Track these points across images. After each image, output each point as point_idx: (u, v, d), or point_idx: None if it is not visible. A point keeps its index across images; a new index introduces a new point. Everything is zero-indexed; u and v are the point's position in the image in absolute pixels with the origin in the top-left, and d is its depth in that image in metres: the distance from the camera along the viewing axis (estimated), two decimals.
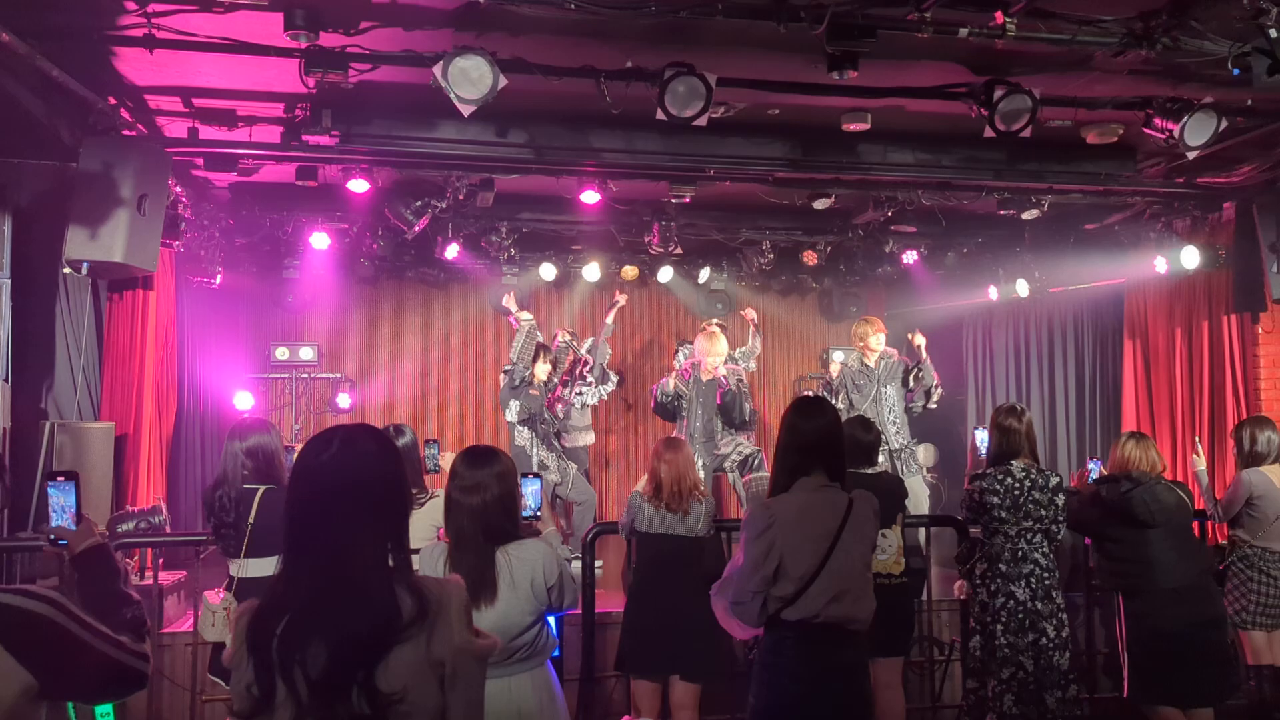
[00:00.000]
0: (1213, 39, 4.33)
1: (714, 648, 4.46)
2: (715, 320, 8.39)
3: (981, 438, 4.94)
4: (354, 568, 1.81)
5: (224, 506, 3.89)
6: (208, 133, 6.00)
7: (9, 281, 5.65)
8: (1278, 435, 5.21)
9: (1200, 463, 5.44)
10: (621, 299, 8.57)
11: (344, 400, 10.15)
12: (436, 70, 4.47)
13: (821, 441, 3.24)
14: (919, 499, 7.03)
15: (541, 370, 7.79)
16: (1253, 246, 6.93)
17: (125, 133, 5.41)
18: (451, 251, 8.56)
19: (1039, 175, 6.61)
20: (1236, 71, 4.24)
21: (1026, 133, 5.01)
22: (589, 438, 8.75)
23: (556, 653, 3.15)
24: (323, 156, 6.07)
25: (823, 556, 3.10)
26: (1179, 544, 4.60)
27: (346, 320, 10.47)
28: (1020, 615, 4.31)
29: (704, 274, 10.04)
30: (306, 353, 10.15)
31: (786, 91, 5.26)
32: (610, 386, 8.63)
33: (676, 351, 9.25)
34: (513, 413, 7.68)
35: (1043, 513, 4.36)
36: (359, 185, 6.44)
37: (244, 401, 9.48)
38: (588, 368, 8.39)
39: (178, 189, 6.40)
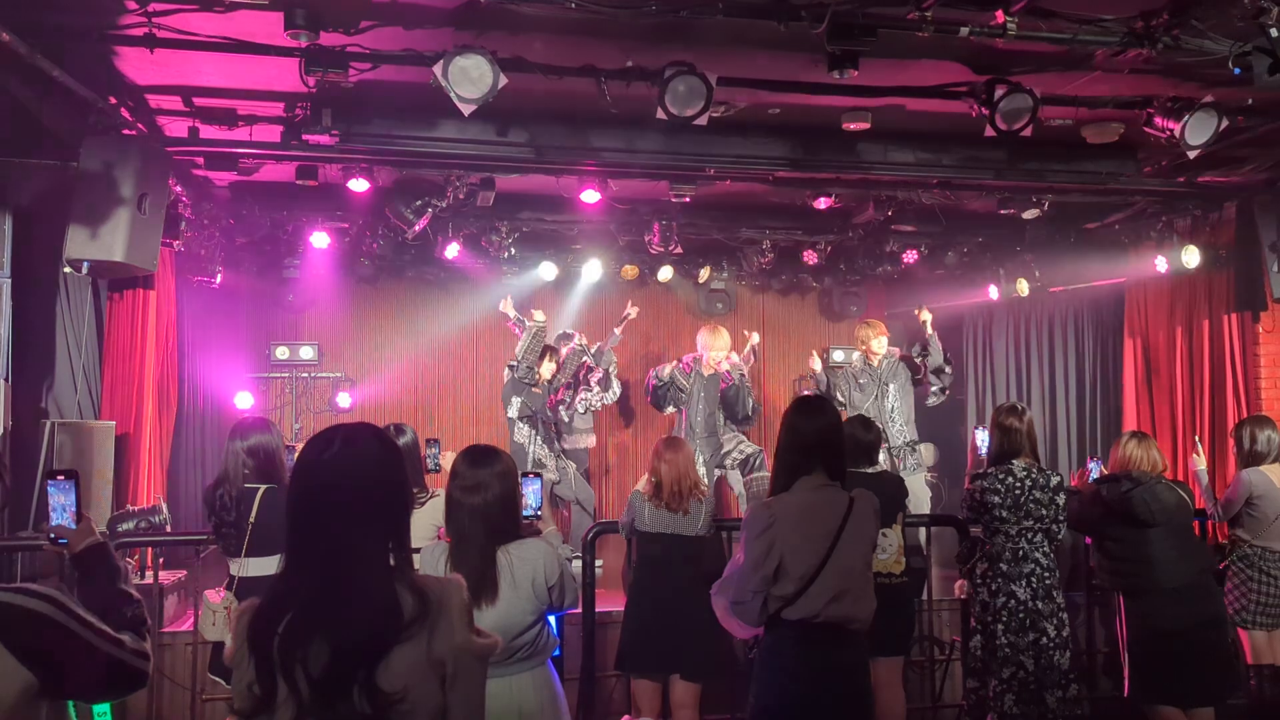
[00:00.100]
0: (1213, 38, 4.33)
1: (714, 647, 4.46)
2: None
3: (981, 437, 4.93)
4: (355, 567, 1.81)
5: (225, 505, 3.89)
6: (208, 132, 6.00)
7: (9, 281, 5.65)
8: (1278, 434, 5.21)
9: (1200, 462, 5.43)
10: (632, 312, 8.57)
11: (344, 400, 10.15)
12: (437, 69, 4.47)
13: (822, 441, 3.24)
14: (919, 498, 7.03)
15: (546, 370, 7.80)
16: (1253, 246, 6.93)
17: (125, 132, 5.41)
18: (451, 251, 8.56)
19: (1039, 175, 6.61)
20: (1237, 71, 4.23)
21: (1027, 132, 5.00)
22: (590, 440, 8.75)
23: (557, 652, 3.15)
24: (323, 156, 6.07)
25: (823, 556, 3.10)
26: (1179, 543, 4.60)
27: (346, 320, 10.47)
28: (1021, 615, 4.31)
29: (704, 274, 10.04)
30: (306, 352, 10.14)
31: (787, 91, 5.26)
32: (613, 395, 8.64)
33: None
34: (514, 409, 7.69)
35: (1044, 512, 4.36)
36: (359, 185, 6.44)
37: (244, 401, 9.48)
38: (595, 376, 8.41)
39: (178, 188, 6.40)
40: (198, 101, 5.68)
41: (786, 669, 3.14)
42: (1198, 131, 5.12)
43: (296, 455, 1.93)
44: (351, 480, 1.85)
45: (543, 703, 2.92)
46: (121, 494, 6.45)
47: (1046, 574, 4.36)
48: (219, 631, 3.84)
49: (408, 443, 4.32)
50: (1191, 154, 5.26)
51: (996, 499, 4.35)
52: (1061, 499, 4.42)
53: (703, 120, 4.84)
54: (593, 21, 4.40)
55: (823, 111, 5.66)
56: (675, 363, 7.86)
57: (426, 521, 3.96)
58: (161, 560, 5.48)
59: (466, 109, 4.55)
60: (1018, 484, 4.36)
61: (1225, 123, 5.13)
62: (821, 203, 7.27)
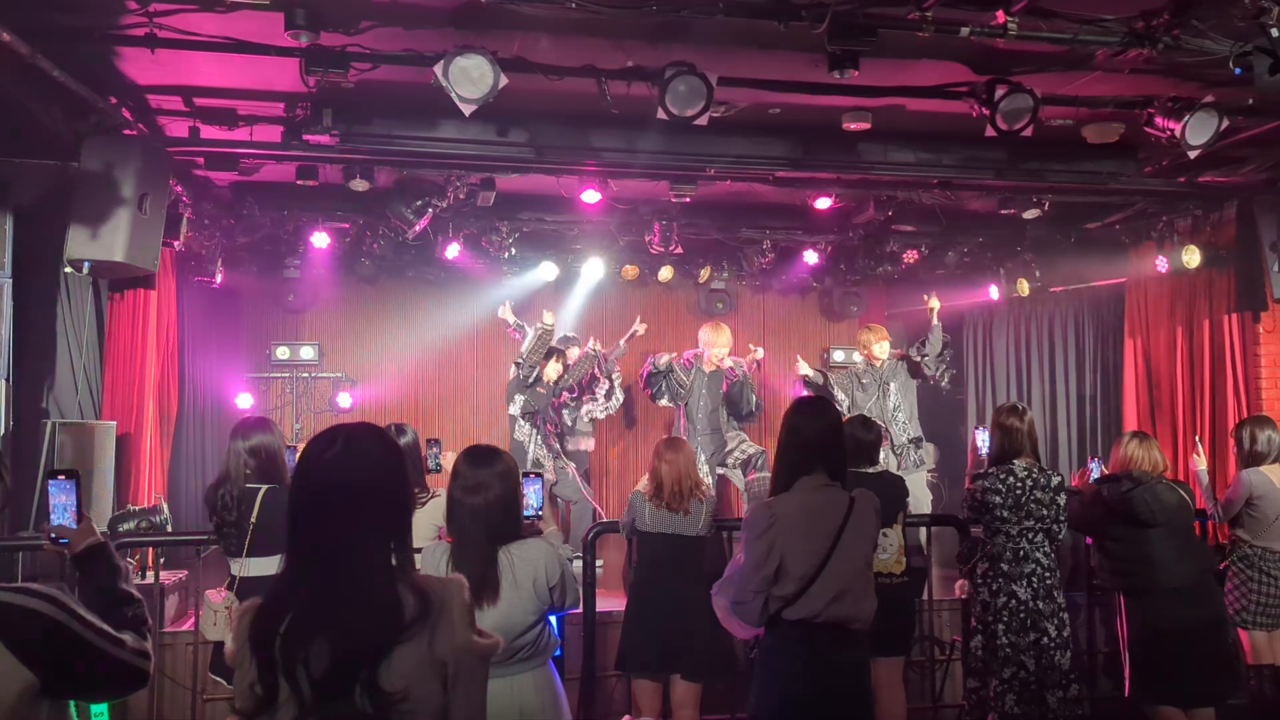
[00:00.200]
0: (1214, 38, 4.33)
1: (715, 647, 4.46)
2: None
3: (982, 438, 4.94)
4: (357, 567, 1.81)
5: (226, 505, 3.89)
6: (208, 132, 6.00)
7: (10, 281, 5.65)
8: (1278, 435, 5.21)
9: (1201, 462, 5.43)
10: (640, 328, 8.58)
11: (344, 400, 10.15)
12: (437, 69, 4.47)
13: (822, 441, 3.24)
14: (920, 500, 7.02)
15: (552, 371, 7.81)
16: (1254, 246, 6.93)
17: (126, 132, 5.41)
18: (452, 251, 8.56)
19: (1040, 174, 6.61)
20: (1238, 71, 4.23)
21: (1028, 132, 5.00)
22: (589, 443, 8.77)
23: (558, 652, 3.15)
24: (323, 156, 6.07)
25: (824, 556, 3.10)
26: (1180, 544, 4.60)
27: (346, 320, 10.47)
28: (1022, 615, 4.31)
29: (704, 274, 10.04)
30: (306, 352, 10.14)
31: (787, 91, 5.26)
32: (615, 405, 8.68)
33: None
34: (516, 406, 7.70)
35: (1044, 512, 4.36)
36: (359, 185, 6.44)
37: (244, 401, 9.49)
38: (602, 388, 8.44)
39: (178, 188, 6.40)
40: (198, 101, 5.69)
41: (787, 669, 3.14)
42: (1198, 131, 5.12)
43: (298, 455, 1.93)
44: (353, 480, 1.85)
45: (544, 703, 2.92)
46: (122, 494, 6.46)
47: (1047, 574, 4.36)
48: (220, 631, 3.84)
49: (408, 443, 4.32)
50: (1192, 154, 5.26)
51: (997, 499, 4.35)
52: (1062, 499, 4.42)
53: (703, 120, 4.84)
54: (593, 21, 4.40)
55: (823, 111, 5.66)
56: (675, 354, 7.82)
57: (427, 521, 3.96)
58: (162, 560, 5.48)
59: (467, 109, 4.56)
60: (1019, 484, 4.36)
61: (1226, 123, 5.14)
62: (821, 203, 7.27)
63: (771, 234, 8.87)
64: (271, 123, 5.93)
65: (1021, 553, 4.36)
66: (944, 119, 5.68)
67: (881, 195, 7.37)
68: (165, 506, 6.10)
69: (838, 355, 11.20)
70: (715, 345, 7.56)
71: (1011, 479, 4.37)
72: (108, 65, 5.02)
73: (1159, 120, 5.21)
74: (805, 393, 7.41)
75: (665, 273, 10.00)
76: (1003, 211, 7.53)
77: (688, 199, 7.02)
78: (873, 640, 3.34)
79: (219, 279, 8.54)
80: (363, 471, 1.86)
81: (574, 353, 8.43)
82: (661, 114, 4.82)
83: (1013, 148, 6.12)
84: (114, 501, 6.20)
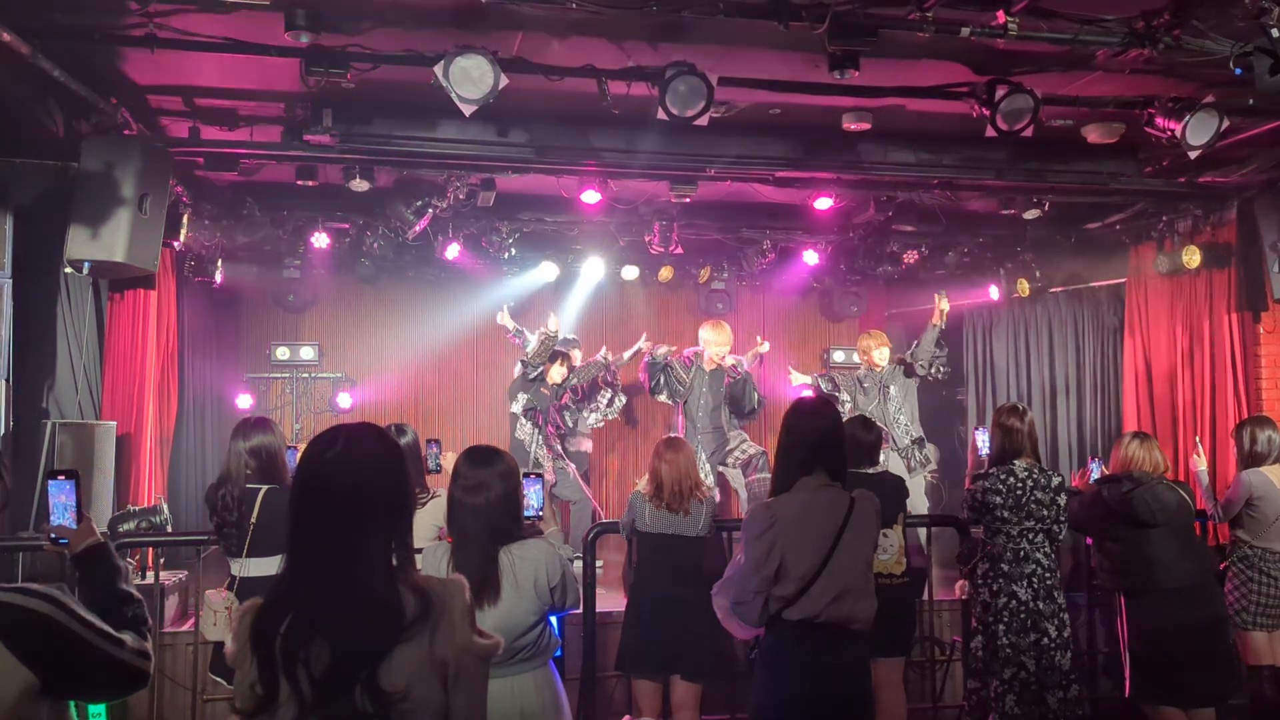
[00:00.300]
0: (1214, 38, 4.33)
1: (715, 647, 4.46)
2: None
3: (982, 438, 4.93)
4: (357, 566, 1.81)
5: (226, 505, 3.89)
6: (209, 132, 6.01)
7: (10, 281, 5.65)
8: (1278, 435, 5.20)
9: (1201, 462, 5.43)
10: (645, 345, 8.57)
11: (344, 400, 10.15)
12: (437, 70, 4.47)
13: (822, 441, 3.24)
14: (915, 504, 6.99)
15: (556, 374, 7.82)
16: (1254, 246, 6.93)
17: (126, 132, 5.41)
18: (452, 251, 8.56)
19: (1040, 175, 6.61)
20: (1238, 71, 4.23)
21: (1028, 132, 5.00)
22: (589, 444, 8.78)
23: (559, 652, 3.15)
24: (323, 156, 6.07)
25: (824, 556, 3.10)
26: (1181, 544, 4.59)
27: (346, 320, 10.47)
28: (1022, 615, 4.31)
29: (704, 274, 10.03)
30: (306, 353, 10.15)
31: (787, 91, 5.26)
32: (616, 410, 8.69)
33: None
34: (519, 404, 7.72)
35: (1045, 512, 4.36)
36: (359, 185, 6.44)
37: (244, 401, 9.49)
38: (605, 396, 8.46)
39: (179, 188, 6.40)
40: (198, 102, 5.69)
41: (787, 669, 3.14)
42: (1198, 131, 5.12)
43: (299, 455, 1.93)
44: (354, 480, 1.85)
45: (544, 703, 2.92)
46: (122, 494, 6.45)
47: (1048, 574, 4.36)
48: (220, 631, 3.84)
49: (409, 443, 4.32)
50: (1192, 154, 5.26)
51: (998, 499, 4.35)
52: (1063, 499, 4.41)
53: (703, 120, 4.84)
54: (594, 21, 4.41)
55: (823, 111, 5.66)
56: (674, 348, 7.80)
57: (428, 521, 3.96)
58: (162, 560, 5.48)
59: (467, 109, 4.56)
60: (1019, 484, 4.36)
61: (1226, 123, 5.14)
62: (821, 203, 7.27)
63: (771, 234, 8.87)
64: (271, 123, 5.94)
65: (1022, 553, 4.36)
66: (944, 119, 5.69)
67: (881, 195, 7.37)
68: (165, 506, 6.10)
69: (838, 355, 11.21)
70: (716, 344, 7.54)
71: (1012, 479, 4.37)
72: (108, 65, 5.03)
73: (1159, 120, 5.21)
74: (806, 393, 7.40)
75: (665, 273, 10.01)
76: (1003, 211, 7.53)
77: (688, 199, 7.02)
78: (873, 640, 3.34)
79: (219, 279, 8.54)
80: (364, 471, 1.86)
81: (576, 354, 8.43)
82: (662, 114, 4.82)
83: (1013, 148, 6.13)
84: (114, 501, 6.20)
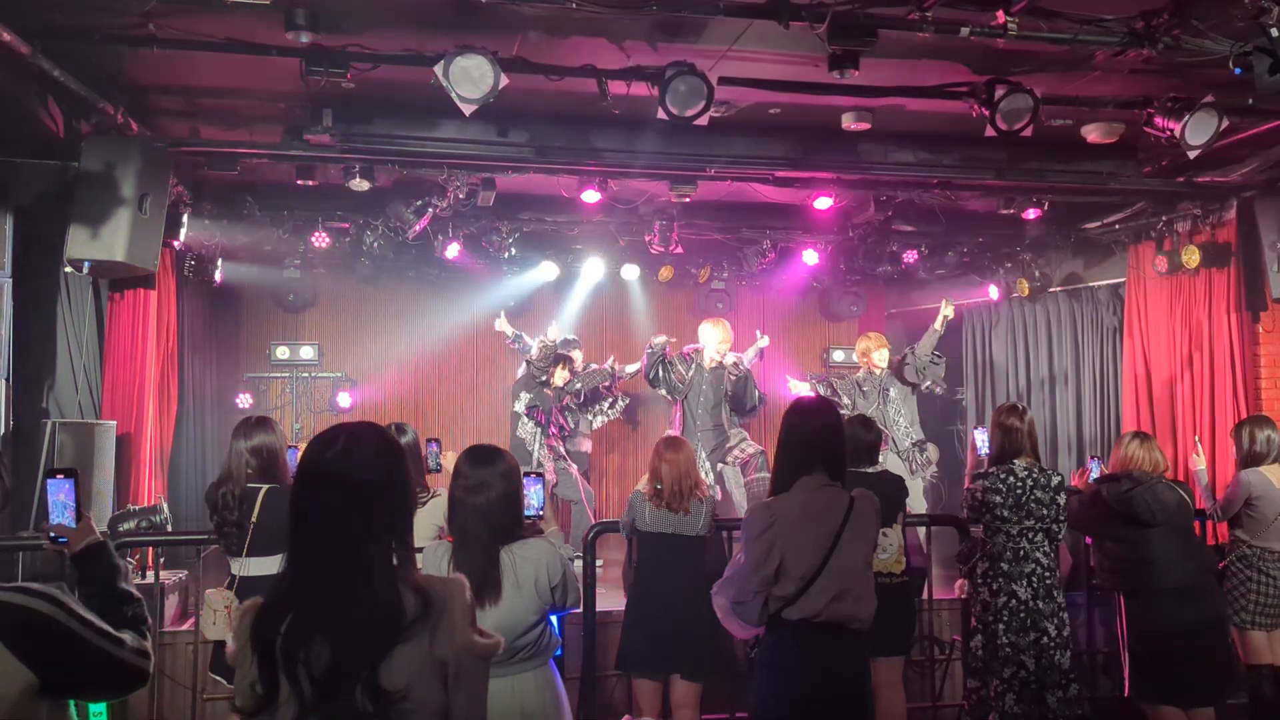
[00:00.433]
0: (1214, 38, 4.34)
1: (715, 647, 4.46)
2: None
3: (981, 438, 4.93)
4: (358, 566, 1.81)
5: (227, 505, 3.89)
6: (209, 132, 6.02)
7: (10, 281, 5.65)
8: (1277, 435, 5.20)
9: (1200, 462, 5.43)
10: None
11: (344, 400, 10.15)
12: (438, 69, 4.48)
13: (822, 441, 3.24)
14: (914, 500, 7.00)
15: (559, 377, 7.84)
16: (1253, 246, 6.94)
17: (126, 132, 5.41)
18: (452, 251, 8.56)
19: (1040, 174, 6.62)
20: (1238, 71, 4.24)
21: (1028, 132, 5.01)
22: (588, 444, 8.79)
23: (559, 652, 3.15)
24: (323, 156, 6.08)
25: (824, 556, 3.10)
26: (1180, 543, 4.59)
27: (346, 320, 10.47)
28: (1022, 614, 4.31)
29: (704, 274, 10.03)
30: (306, 352, 10.15)
31: (787, 91, 5.26)
32: (618, 411, 8.74)
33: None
34: (522, 403, 7.74)
35: (1044, 512, 4.37)
36: (360, 185, 6.44)
37: (244, 401, 9.50)
38: (608, 400, 8.48)
39: (179, 188, 6.40)
40: (199, 102, 5.69)
41: (787, 669, 3.14)
42: (1198, 131, 5.13)
43: (300, 454, 1.93)
44: (355, 479, 1.85)
45: (545, 702, 2.92)
46: (122, 493, 6.45)
47: (1047, 574, 4.36)
48: (220, 631, 3.84)
49: (409, 442, 4.32)
50: (1192, 154, 5.26)
51: (998, 498, 4.36)
52: (1062, 499, 4.42)
53: (703, 120, 4.85)
54: (594, 21, 4.41)
55: (823, 111, 5.66)
56: (672, 339, 7.77)
57: (428, 521, 3.96)
58: (162, 560, 5.48)
59: (467, 109, 4.56)
60: (1019, 484, 4.36)
61: (1226, 123, 5.14)
62: (821, 203, 7.27)
63: (771, 234, 8.87)
64: (272, 123, 5.94)
65: (1021, 552, 4.36)
66: (944, 119, 5.69)
67: (881, 195, 7.37)
68: (165, 506, 6.10)
69: (837, 355, 11.21)
70: (717, 342, 7.53)
71: (1012, 479, 4.37)
72: (108, 65, 5.03)
73: (1159, 120, 5.21)
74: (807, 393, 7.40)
75: (665, 273, 10.01)
76: (1003, 211, 7.53)
77: (688, 199, 7.02)
78: (873, 640, 3.34)
79: (219, 279, 8.54)
80: (364, 471, 1.86)
81: (577, 355, 8.44)
82: (661, 114, 4.82)
83: (1013, 148, 6.13)
84: (114, 501, 6.20)
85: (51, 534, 2.53)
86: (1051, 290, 9.35)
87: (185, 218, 6.97)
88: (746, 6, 4.25)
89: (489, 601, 2.83)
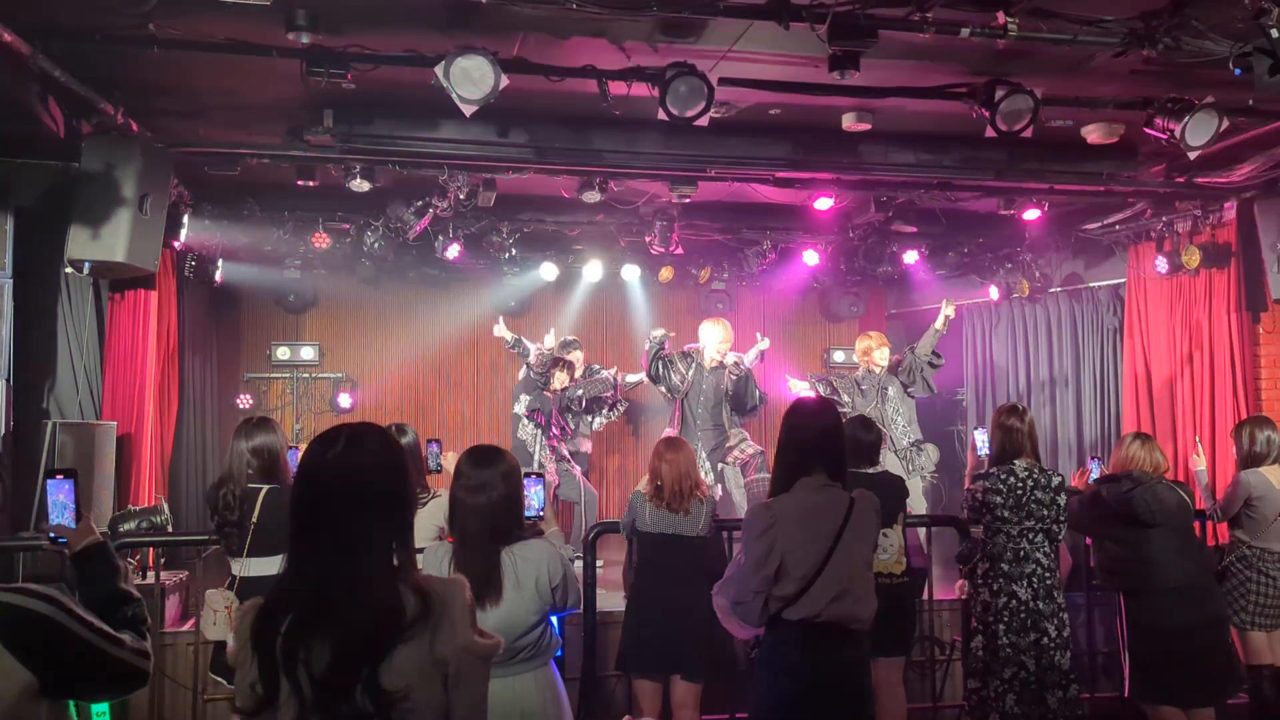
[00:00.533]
0: (1214, 39, 4.34)
1: (715, 647, 4.46)
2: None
3: (981, 438, 4.93)
4: (358, 566, 1.81)
5: (228, 505, 3.89)
6: (209, 132, 6.01)
7: (11, 281, 5.66)
8: (1278, 435, 5.20)
9: (1200, 462, 5.43)
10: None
11: (344, 400, 10.16)
12: (438, 70, 4.48)
13: (822, 441, 3.24)
14: (913, 501, 6.98)
15: (558, 381, 7.85)
16: (1253, 246, 6.94)
17: (127, 132, 5.41)
18: (452, 251, 8.57)
19: (1040, 175, 6.62)
20: (1238, 71, 4.24)
21: (1028, 133, 5.01)
22: (588, 445, 8.79)
23: (559, 652, 3.15)
24: (324, 156, 6.08)
25: (824, 556, 3.10)
26: (1180, 544, 4.60)
27: (346, 320, 10.47)
28: (1022, 615, 4.31)
29: (704, 274, 10.04)
30: (307, 353, 10.15)
31: (788, 91, 5.26)
32: (618, 413, 8.78)
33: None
34: (522, 405, 7.75)
35: (1045, 512, 4.37)
36: (360, 185, 6.44)
37: (244, 401, 9.50)
38: (609, 407, 8.50)
39: (179, 188, 6.40)
40: (199, 102, 5.69)
41: (787, 669, 3.14)
42: (1198, 132, 5.13)
43: (301, 454, 1.94)
44: (356, 480, 1.85)
45: (545, 703, 2.92)
46: (123, 494, 6.46)
47: (1047, 574, 4.37)
48: (220, 631, 3.84)
49: (409, 443, 4.32)
50: (1192, 154, 5.26)
51: (999, 499, 4.36)
52: (1063, 499, 4.42)
53: (704, 121, 4.85)
54: (593, 22, 4.41)
55: (823, 112, 5.66)
56: (671, 333, 7.76)
57: (428, 521, 3.96)
58: (163, 560, 5.48)
59: (468, 110, 4.56)
60: (1020, 484, 4.36)
61: (1226, 123, 5.14)
62: (821, 203, 7.27)
63: (771, 234, 8.87)
64: (272, 123, 5.94)
65: (1022, 553, 4.36)
66: (944, 119, 5.69)
67: (881, 196, 7.37)
68: (165, 506, 6.10)
69: (837, 356, 11.21)
70: (717, 341, 7.52)
71: (1012, 479, 4.37)
72: (108, 65, 5.02)
73: (1159, 121, 5.22)
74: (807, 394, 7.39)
75: (665, 273, 10.01)
76: (1003, 212, 7.53)
77: (688, 199, 7.02)
78: (873, 640, 3.34)
79: (219, 279, 8.54)
80: (365, 471, 1.86)
81: (577, 355, 8.44)
82: (662, 114, 4.82)
83: (1013, 148, 6.13)
84: (114, 501, 6.20)
85: (51, 534, 2.53)
86: (1051, 290, 9.35)
87: (185, 218, 6.98)
88: (746, 7, 4.25)
89: (490, 602, 2.83)
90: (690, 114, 4.81)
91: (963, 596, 4.78)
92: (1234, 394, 7.28)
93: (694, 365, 7.54)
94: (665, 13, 4.27)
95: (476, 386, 10.64)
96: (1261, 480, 5.09)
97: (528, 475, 3.25)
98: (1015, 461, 4.42)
